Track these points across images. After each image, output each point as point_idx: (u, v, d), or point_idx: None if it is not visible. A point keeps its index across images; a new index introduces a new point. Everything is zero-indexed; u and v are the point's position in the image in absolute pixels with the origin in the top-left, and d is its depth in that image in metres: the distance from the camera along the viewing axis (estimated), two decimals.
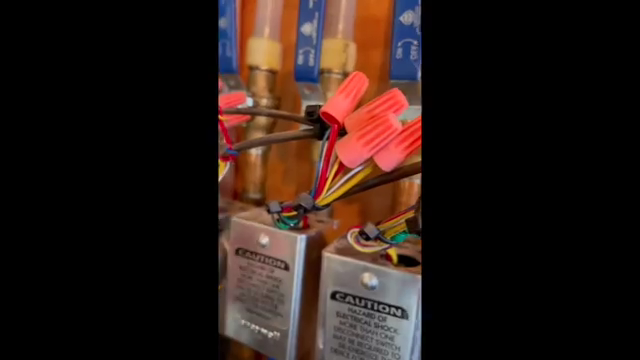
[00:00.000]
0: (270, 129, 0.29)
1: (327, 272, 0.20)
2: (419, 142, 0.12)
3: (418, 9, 0.20)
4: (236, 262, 0.23)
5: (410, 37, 0.21)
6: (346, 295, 0.19)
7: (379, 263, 0.19)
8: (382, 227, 0.16)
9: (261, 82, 0.29)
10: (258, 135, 0.28)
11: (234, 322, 0.24)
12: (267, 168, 0.31)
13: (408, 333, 0.18)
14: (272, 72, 0.29)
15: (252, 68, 0.29)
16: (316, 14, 0.23)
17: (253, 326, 0.23)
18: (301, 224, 0.22)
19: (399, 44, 0.21)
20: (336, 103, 0.14)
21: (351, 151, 0.13)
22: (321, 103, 0.16)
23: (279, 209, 0.18)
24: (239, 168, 0.33)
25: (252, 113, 0.24)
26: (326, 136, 0.14)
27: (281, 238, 0.21)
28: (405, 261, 0.20)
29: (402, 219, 0.14)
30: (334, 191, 0.15)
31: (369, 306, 0.19)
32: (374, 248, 0.18)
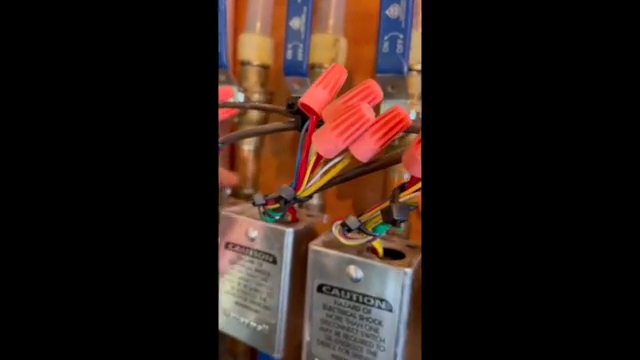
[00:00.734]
0: (262, 123, 0.29)
1: (313, 265, 0.20)
2: (393, 132, 0.12)
3: (404, 2, 0.20)
4: (225, 256, 0.24)
5: (396, 31, 0.21)
6: (332, 288, 0.19)
7: (364, 256, 0.19)
8: (363, 218, 0.16)
9: (253, 77, 0.29)
10: (247, 129, 0.28)
11: (224, 315, 0.24)
12: (260, 164, 0.32)
13: (392, 325, 0.18)
14: (264, 67, 0.29)
15: (244, 63, 0.29)
16: (304, 9, 0.24)
17: (242, 319, 0.23)
18: (290, 218, 0.22)
19: (385, 38, 0.21)
20: (314, 94, 0.14)
21: (326, 141, 0.13)
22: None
23: (263, 202, 0.18)
24: (232, 164, 0.34)
25: (235, 106, 0.24)
26: (305, 127, 0.14)
27: (269, 232, 0.21)
28: (391, 254, 0.20)
29: (379, 210, 0.14)
30: (314, 182, 0.15)
31: (354, 298, 0.19)
32: (359, 241, 0.18)
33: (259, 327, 0.23)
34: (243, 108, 0.24)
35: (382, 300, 0.18)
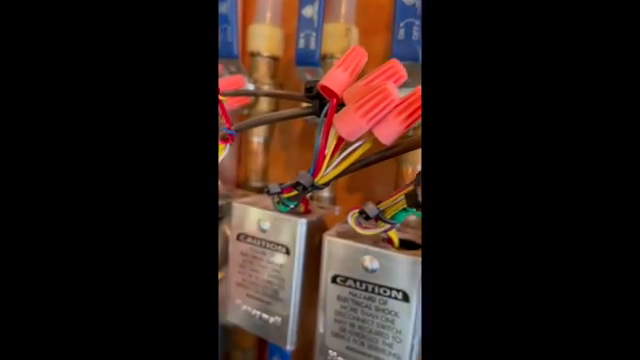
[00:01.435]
0: None
1: (328, 256, 0.19)
2: (418, 112, 0.12)
3: None
4: (237, 248, 0.23)
5: (412, 17, 0.20)
6: (347, 279, 0.19)
7: (380, 246, 0.19)
8: (382, 205, 0.15)
9: (263, 69, 0.28)
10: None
11: (235, 308, 0.24)
12: (269, 156, 0.31)
13: (409, 316, 0.18)
14: (274, 59, 0.29)
15: (254, 54, 0.28)
16: None
17: (254, 312, 0.23)
18: (302, 209, 0.22)
19: (401, 24, 0.20)
20: (335, 76, 0.14)
21: (350, 123, 0.13)
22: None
23: (279, 190, 0.17)
24: (241, 157, 0.33)
25: (250, 94, 0.23)
26: (325, 110, 0.14)
27: (282, 223, 0.21)
28: (406, 245, 0.20)
29: (402, 195, 0.14)
30: (333, 168, 0.15)
31: (370, 289, 0.19)
32: (375, 230, 0.18)
33: (271, 319, 0.23)
34: (257, 95, 0.24)
35: (398, 291, 0.18)
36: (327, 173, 0.15)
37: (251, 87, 0.27)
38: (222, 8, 0.27)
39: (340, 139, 0.14)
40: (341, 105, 0.14)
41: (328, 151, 0.14)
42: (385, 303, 0.18)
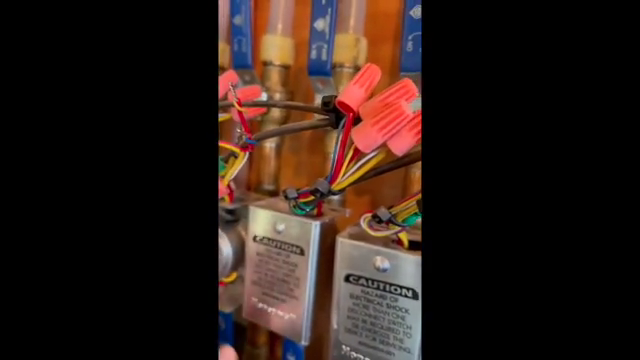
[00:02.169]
0: (284, 122, 0.30)
1: (341, 256, 0.21)
2: None
3: None
4: (253, 248, 0.25)
5: (420, 31, 0.21)
6: (359, 277, 0.20)
7: (391, 247, 0.20)
8: (394, 210, 0.17)
9: (275, 77, 0.30)
10: (273, 128, 0.29)
11: (251, 306, 0.25)
12: (281, 160, 0.32)
13: (418, 313, 0.19)
14: (285, 67, 0.30)
15: (266, 63, 0.30)
16: (329, 10, 0.24)
17: (270, 309, 0.24)
18: (315, 211, 0.23)
19: (409, 37, 0.22)
20: (351, 93, 0.15)
21: (366, 136, 0.14)
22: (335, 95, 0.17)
23: (296, 195, 0.19)
24: (253, 161, 0.35)
25: (270, 105, 0.25)
26: (342, 123, 0.15)
27: (296, 225, 0.22)
28: (415, 246, 0.21)
29: (414, 201, 0.15)
30: (349, 176, 0.16)
31: (381, 287, 0.20)
32: (386, 232, 0.19)
33: (286, 316, 0.24)
34: (277, 107, 0.25)
35: (408, 289, 0.19)
36: (343, 180, 0.16)
37: (264, 95, 0.29)
38: (236, 21, 0.28)
39: (356, 150, 0.15)
40: (357, 119, 0.15)
41: (345, 160, 0.15)
42: (396, 300, 0.19)
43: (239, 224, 0.29)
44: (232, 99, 0.19)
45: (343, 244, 0.21)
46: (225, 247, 0.27)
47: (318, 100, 0.27)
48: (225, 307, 0.30)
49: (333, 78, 0.26)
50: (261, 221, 0.24)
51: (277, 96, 0.29)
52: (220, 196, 0.23)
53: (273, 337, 0.35)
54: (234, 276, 0.29)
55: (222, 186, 0.23)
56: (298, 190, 0.19)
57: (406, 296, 0.19)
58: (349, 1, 0.26)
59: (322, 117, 0.18)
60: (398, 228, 0.18)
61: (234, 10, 0.29)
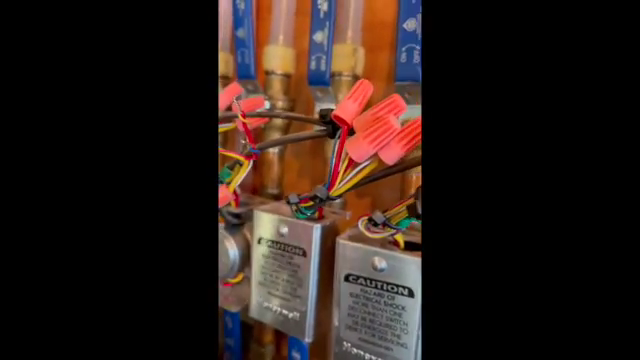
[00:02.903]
0: (286, 129, 0.31)
1: (341, 257, 0.22)
2: (417, 139, 0.14)
3: (419, 16, 0.22)
4: (258, 250, 0.26)
5: (413, 42, 0.23)
6: (358, 277, 0.21)
7: (388, 248, 0.21)
8: (388, 214, 0.18)
9: (277, 85, 0.31)
10: (275, 135, 0.30)
11: (258, 305, 0.27)
12: (284, 165, 0.34)
13: (415, 310, 0.20)
14: (287, 76, 0.31)
15: (268, 73, 0.31)
16: (327, 23, 0.26)
17: (275, 308, 0.26)
18: (317, 215, 0.24)
19: (403, 49, 0.23)
20: (346, 107, 0.16)
21: (359, 148, 0.15)
22: (332, 105, 0.18)
23: (297, 200, 0.20)
24: (258, 166, 0.36)
25: (272, 116, 0.26)
26: (337, 136, 0.16)
27: (299, 228, 0.23)
28: (411, 246, 0.22)
29: (404, 206, 0.17)
30: (345, 183, 0.17)
31: (379, 287, 0.21)
32: (382, 234, 0.20)
33: (290, 315, 0.25)
34: (279, 118, 0.26)
35: (405, 288, 0.20)
36: (340, 187, 0.18)
37: (267, 103, 0.30)
38: (240, 34, 0.30)
39: (351, 160, 0.16)
40: (351, 131, 0.16)
41: (341, 169, 0.17)
42: (393, 299, 0.20)
43: (245, 227, 0.30)
44: (237, 111, 0.20)
45: (343, 245, 0.22)
46: (231, 249, 0.29)
47: (318, 108, 0.28)
48: (232, 307, 0.31)
49: (332, 86, 0.27)
50: (265, 224, 0.25)
51: (279, 104, 0.31)
52: (226, 202, 0.24)
53: (279, 335, 0.36)
54: (240, 277, 0.31)
55: (228, 192, 0.24)
56: (299, 196, 0.20)
57: (403, 294, 0.20)
58: (347, 13, 0.28)
59: (320, 127, 0.19)
60: (394, 230, 0.19)
61: (237, 23, 0.30)
